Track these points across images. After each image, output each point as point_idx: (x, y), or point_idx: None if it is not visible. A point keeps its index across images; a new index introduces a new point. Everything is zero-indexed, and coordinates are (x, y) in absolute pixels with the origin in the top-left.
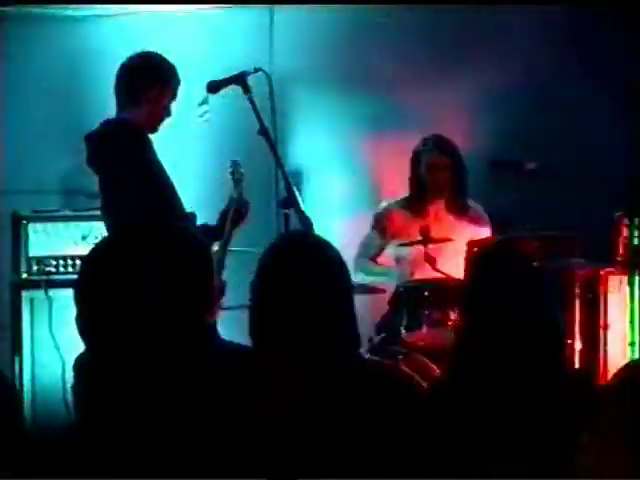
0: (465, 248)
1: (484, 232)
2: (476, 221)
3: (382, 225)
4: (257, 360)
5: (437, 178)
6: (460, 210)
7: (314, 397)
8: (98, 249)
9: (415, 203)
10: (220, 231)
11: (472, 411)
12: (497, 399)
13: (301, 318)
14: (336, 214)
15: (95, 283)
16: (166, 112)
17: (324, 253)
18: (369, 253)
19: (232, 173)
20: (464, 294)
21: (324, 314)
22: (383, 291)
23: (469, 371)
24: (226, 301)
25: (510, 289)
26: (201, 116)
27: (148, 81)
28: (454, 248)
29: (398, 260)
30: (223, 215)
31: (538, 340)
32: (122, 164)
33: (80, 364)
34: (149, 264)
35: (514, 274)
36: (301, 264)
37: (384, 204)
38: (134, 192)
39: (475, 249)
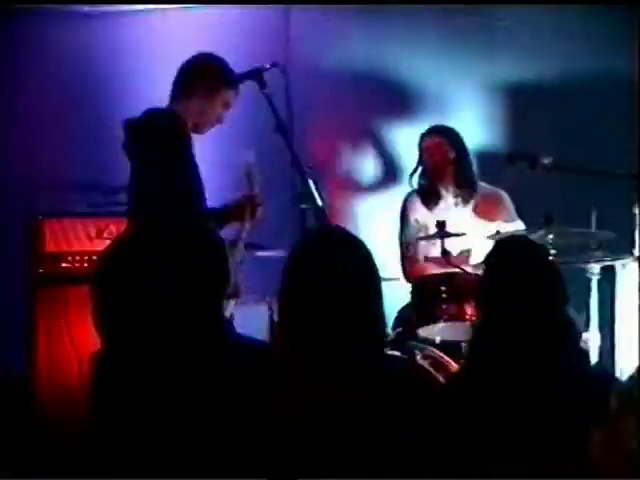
0: (477, 237)
1: (502, 216)
2: (490, 206)
3: (404, 213)
4: (274, 353)
5: (434, 158)
6: (468, 195)
7: (331, 393)
8: (115, 245)
9: (426, 191)
10: (223, 217)
11: (487, 407)
12: (513, 395)
13: (328, 315)
14: (354, 208)
15: (111, 279)
16: (215, 117)
17: (355, 249)
18: (410, 250)
19: (247, 174)
20: (480, 289)
21: (351, 311)
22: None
23: (486, 366)
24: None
25: (526, 284)
26: None
27: (205, 77)
28: (467, 239)
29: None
30: (232, 206)
31: (553, 337)
32: (159, 152)
33: (97, 360)
34: (166, 260)
35: (530, 269)
36: (331, 260)
37: (406, 193)
38: (165, 183)
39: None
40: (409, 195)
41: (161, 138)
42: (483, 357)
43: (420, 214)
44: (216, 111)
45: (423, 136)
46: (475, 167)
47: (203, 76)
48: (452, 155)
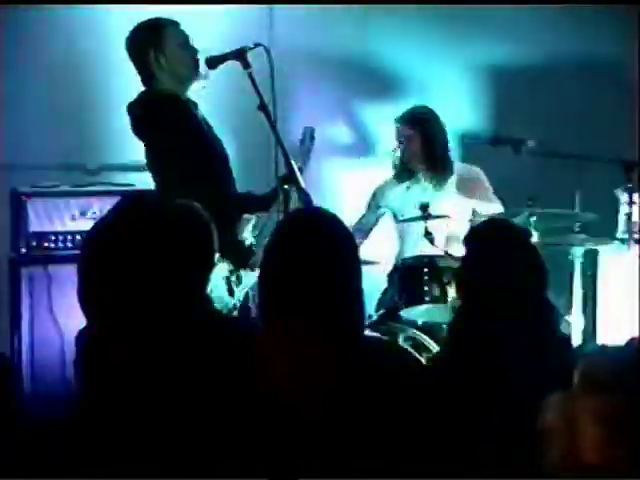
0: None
1: (479, 194)
2: (467, 184)
3: (375, 200)
4: (261, 332)
5: (404, 149)
6: (441, 181)
7: (315, 372)
8: (101, 223)
9: (401, 174)
10: (263, 203)
11: (470, 388)
12: (493, 379)
13: (309, 293)
14: (337, 189)
15: (98, 256)
16: (187, 66)
17: (335, 229)
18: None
19: (302, 141)
20: (461, 272)
21: (332, 290)
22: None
23: (468, 348)
24: None
25: (506, 266)
26: (199, 92)
27: (142, 48)
28: (443, 223)
29: (402, 236)
30: (273, 191)
31: (533, 320)
32: (162, 132)
33: (82, 338)
34: (150, 238)
35: (510, 251)
36: (313, 238)
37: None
38: (176, 158)
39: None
40: (381, 184)
41: (157, 117)
42: (463, 340)
43: (394, 195)
44: (187, 64)
45: (395, 121)
46: (454, 148)
47: (141, 50)
48: (418, 145)
